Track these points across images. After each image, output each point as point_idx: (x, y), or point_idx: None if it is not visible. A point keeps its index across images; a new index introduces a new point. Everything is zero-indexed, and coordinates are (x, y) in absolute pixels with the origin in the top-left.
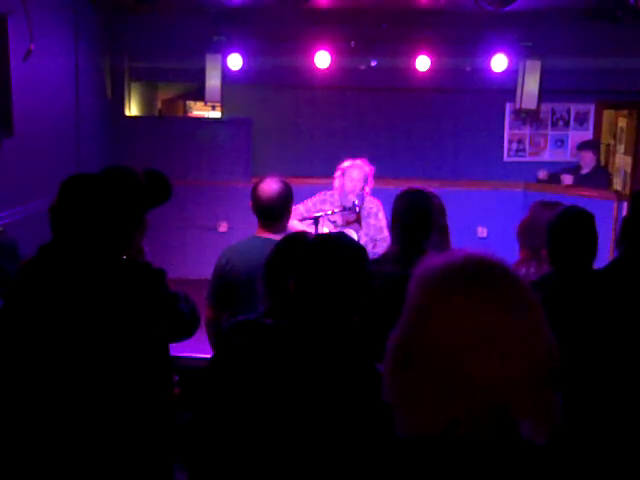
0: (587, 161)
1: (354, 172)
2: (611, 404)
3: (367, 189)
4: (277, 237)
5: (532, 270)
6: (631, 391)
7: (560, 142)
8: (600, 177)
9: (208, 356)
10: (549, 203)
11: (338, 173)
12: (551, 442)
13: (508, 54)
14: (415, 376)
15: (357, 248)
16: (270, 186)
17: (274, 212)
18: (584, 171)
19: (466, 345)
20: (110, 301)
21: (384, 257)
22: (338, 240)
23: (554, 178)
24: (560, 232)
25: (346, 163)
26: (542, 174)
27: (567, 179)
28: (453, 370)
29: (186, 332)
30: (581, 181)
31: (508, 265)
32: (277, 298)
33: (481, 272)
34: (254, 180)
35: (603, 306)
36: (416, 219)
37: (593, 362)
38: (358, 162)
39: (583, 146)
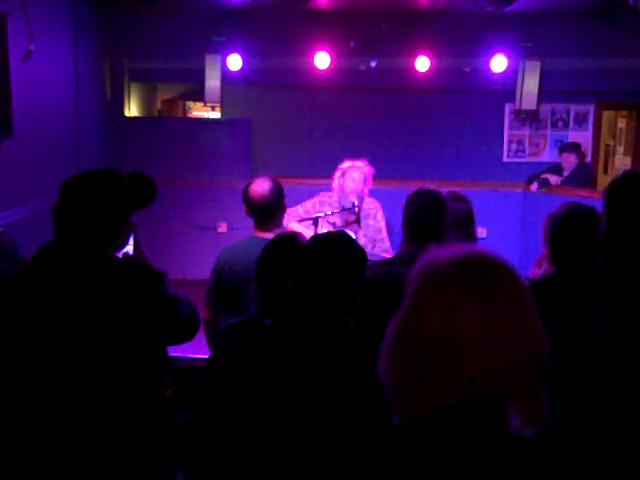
0: (570, 163)
1: (354, 173)
2: (607, 404)
3: (365, 190)
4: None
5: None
6: (627, 392)
7: (560, 143)
8: (583, 174)
9: (207, 357)
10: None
11: (338, 173)
12: (539, 435)
13: (508, 55)
14: (415, 365)
15: (357, 249)
16: (261, 186)
17: (268, 211)
18: (566, 173)
19: (466, 339)
20: (110, 302)
21: (395, 257)
22: (338, 240)
23: (542, 181)
24: (563, 231)
25: (346, 164)
26: (534, 187)
27: (554, 180)
28: (452, 362)
29: (187, 334)
30: (565, 181)
31: (508, 263)
32: (268, 298)
33: (482, 269)
34: None
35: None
36: (427, 219)
37: (585, 362)
38: (358, 163)
39: (566, 148)
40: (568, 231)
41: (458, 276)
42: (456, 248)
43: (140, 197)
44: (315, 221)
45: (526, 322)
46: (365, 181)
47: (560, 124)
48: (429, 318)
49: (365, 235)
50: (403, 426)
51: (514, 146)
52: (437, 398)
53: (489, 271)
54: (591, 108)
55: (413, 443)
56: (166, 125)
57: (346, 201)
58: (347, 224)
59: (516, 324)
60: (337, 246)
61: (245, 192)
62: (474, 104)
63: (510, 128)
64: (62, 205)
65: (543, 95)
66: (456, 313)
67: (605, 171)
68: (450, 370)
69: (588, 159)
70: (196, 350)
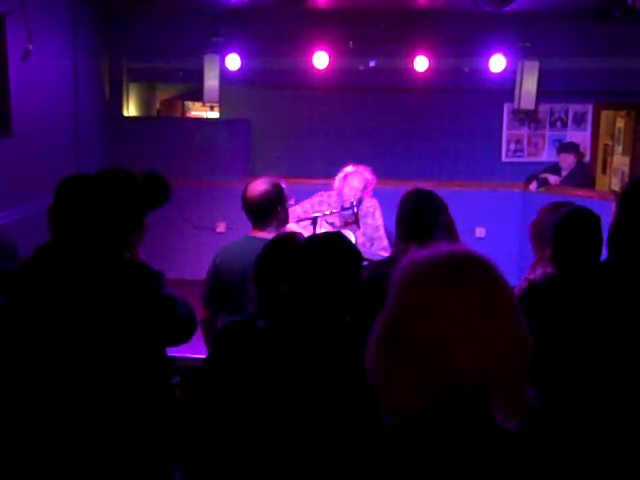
0: (568, 163)
1: (354, 180)
2: (600, 399)
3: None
4: (271, 237)
5: (549, 270)
6: (622, 389)
7: (558, 143)
8: (581, 174)
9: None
10: (560, 204)
11: (340, 176)
12: (524, 428)
13: (506, 55)
14: (400, 362)
15: (351, 249)
16: (255, 186)
17: (258, 212)
18: (564, 173)
19: (449, 337)
20: (107, 302)
21: (393, 257)
22: (332, 241)
23: (541, 181)
24: (565, 232)
25: (349, 168)
26: (533, 186)
27: (554, 179)
28: (436, 360)
29: (184, 336)
30: (564, 181)
31: (489, 261)
32: (266, 298)
33: (463, 267)
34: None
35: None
36: (424, 218)
37: (583, 359)
38: (361, 169)
39: (564, 149)
40: (569, 231)
41: (438, 276)
42: (437, 248)
43: (154, 197)
44: (314, 221)
45: (508, 320)
46: (364, 189)
47: (559, 124)
48: (412, 318)
49: (364, 234)
50: (392, 425)
51: (512, 146)
52: (422, 396)
53: (469, 270)
54: (589, 108)
55: (401, 442)
56: (165, 125)
57: (345, 201)
58: (346, 224)
59: (497, 322)
60: (332, 247)
61: (243, 191)
62: (473, 104)
63: (509, 128)
64: (71, 206)
65: (542, 95)
66: (437, 313)
67: (603, 171)
68: (434, 368)
69: (586, 159)
70: (195, 350)
